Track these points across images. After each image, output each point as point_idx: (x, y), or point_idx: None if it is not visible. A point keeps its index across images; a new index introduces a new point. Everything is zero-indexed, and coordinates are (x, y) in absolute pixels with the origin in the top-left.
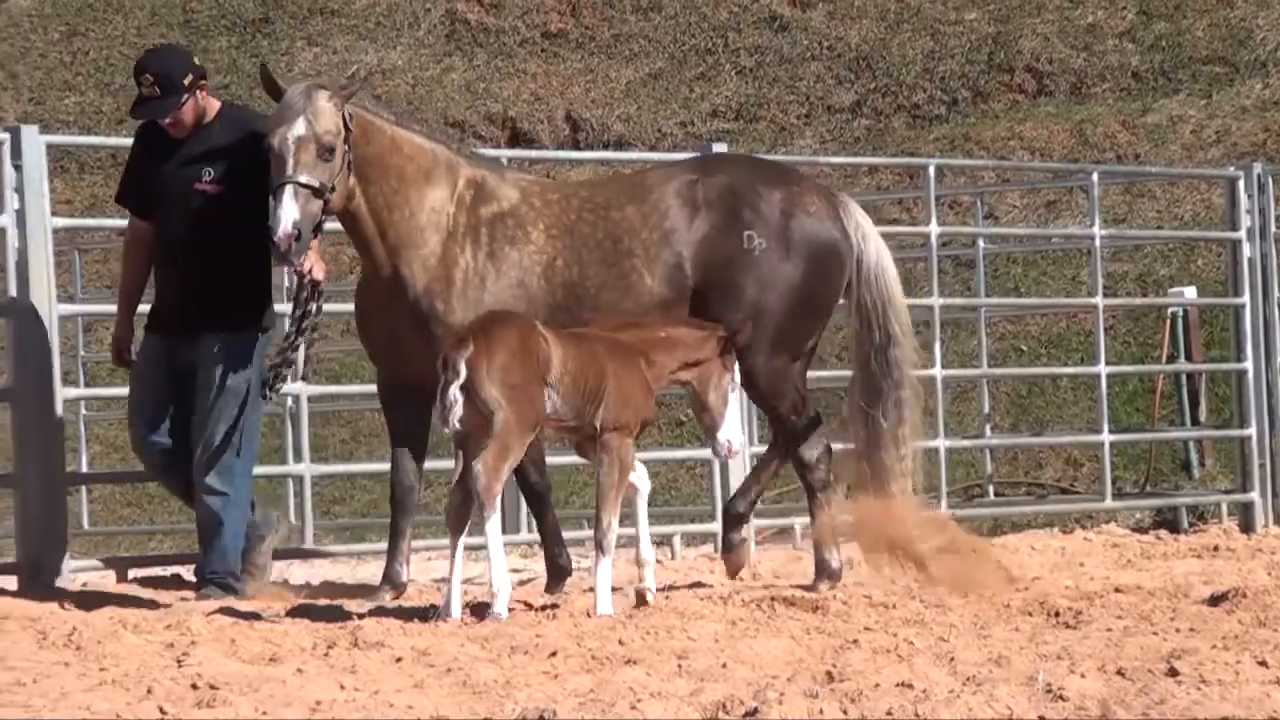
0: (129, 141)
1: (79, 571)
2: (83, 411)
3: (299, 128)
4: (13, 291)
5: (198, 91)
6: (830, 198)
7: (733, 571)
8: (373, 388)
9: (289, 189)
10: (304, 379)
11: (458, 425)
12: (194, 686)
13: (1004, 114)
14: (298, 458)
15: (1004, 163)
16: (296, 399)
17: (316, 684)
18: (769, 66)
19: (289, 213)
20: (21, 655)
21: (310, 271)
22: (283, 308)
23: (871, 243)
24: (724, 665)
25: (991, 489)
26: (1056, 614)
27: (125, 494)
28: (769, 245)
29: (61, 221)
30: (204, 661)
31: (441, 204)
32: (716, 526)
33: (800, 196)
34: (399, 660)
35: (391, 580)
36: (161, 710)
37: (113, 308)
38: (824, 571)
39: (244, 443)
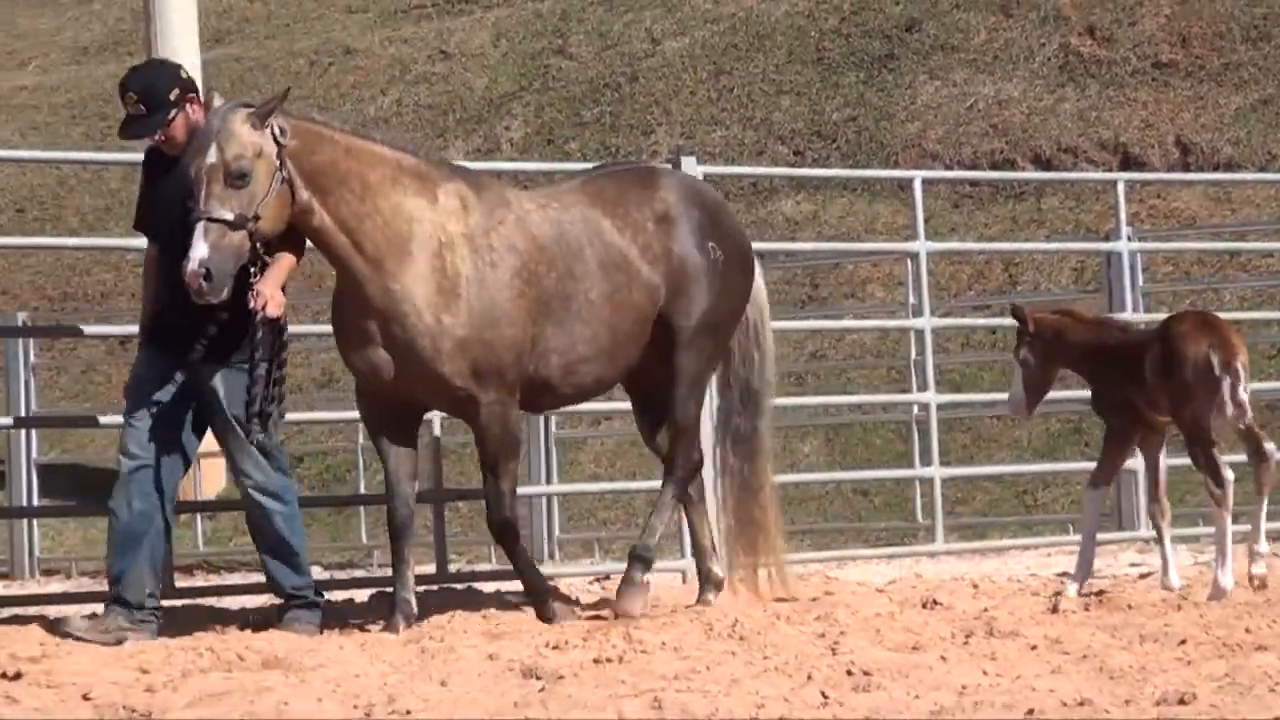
0: (767, 170)
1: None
2: None
3: (210, 155)
4: None
5: (187, 105)
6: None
7: (628, 614)
8: (991, 395)
9: (200, 226)
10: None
11: (1240, 426)
12: (849, 673)
13: None
14: (926, 462)
15: None
16: (925, 408)
17: (960, 670)
18: None
19: (197, 251)
20: (693, 645)
21: (264, 308)
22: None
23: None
24: None
25: None
26: None
27: (605, 501)
28: (725, 256)
29: None
30: (855, 650)
31: (422, 212)
32: None
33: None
34: (1034, 648)
35: (406, 612)
36: (823, 695)
37: None
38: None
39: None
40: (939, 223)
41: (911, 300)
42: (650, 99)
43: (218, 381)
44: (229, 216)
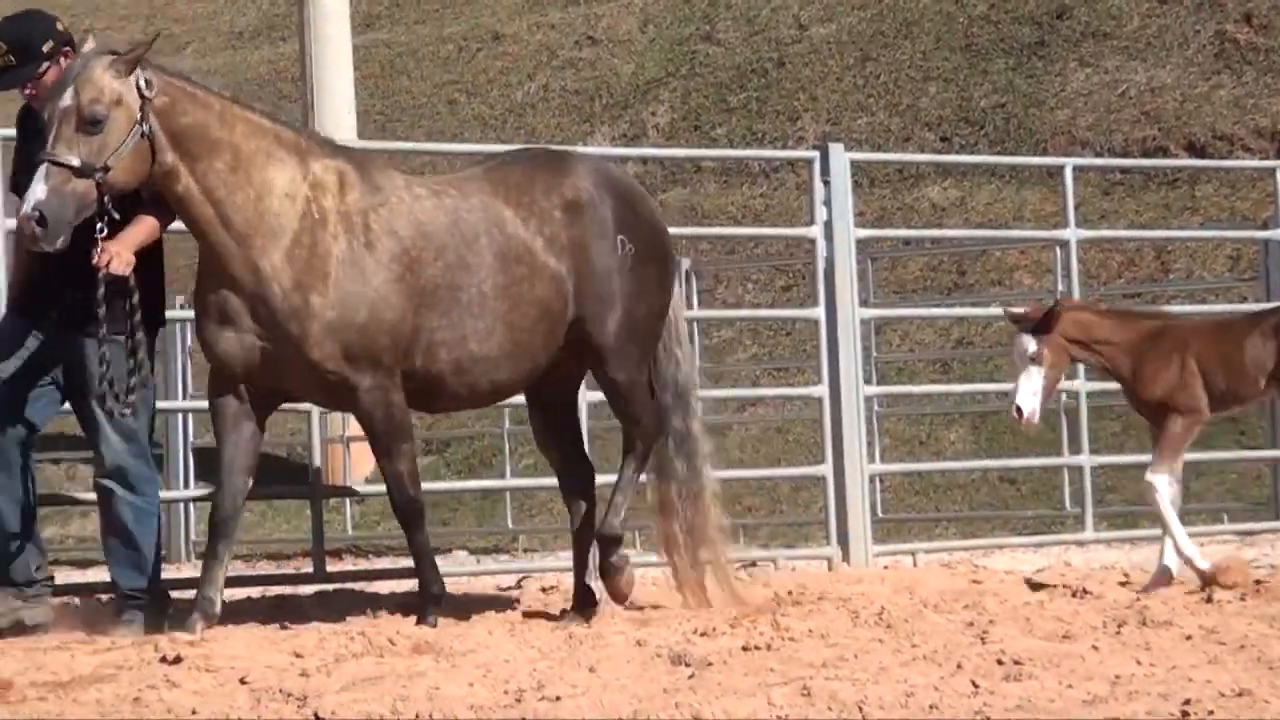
0: (914, 157)
1: (879, 555)
2: (875, 408)
3: (65, 98)
4: (822, 297)
5: (61, 59)
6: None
7: (619, 597)
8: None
9: (43, 168)
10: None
11: None
12: (999, 662)
13: None
14: (1075, 449)
15: None
16: (1075, 395)
17: (1113, 659)
18: None
19: (35, 193)
20: (840, 632)
21: (108, 265)
22: None
23: None
24: None
25: None
26: None
27: (914, 484)
28: (638, 251)
29: (863, 233)
30: (1005, 639)
31: (296, 187)
32: None
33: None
34: (1189, 638)
35: (205, 610)
36: (974, 684)
37: (899, 312)
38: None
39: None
40: (1089, 209)
41: (1060, 288)
42: (797, 85)
43: (85, 352)
44: (75, 162)
